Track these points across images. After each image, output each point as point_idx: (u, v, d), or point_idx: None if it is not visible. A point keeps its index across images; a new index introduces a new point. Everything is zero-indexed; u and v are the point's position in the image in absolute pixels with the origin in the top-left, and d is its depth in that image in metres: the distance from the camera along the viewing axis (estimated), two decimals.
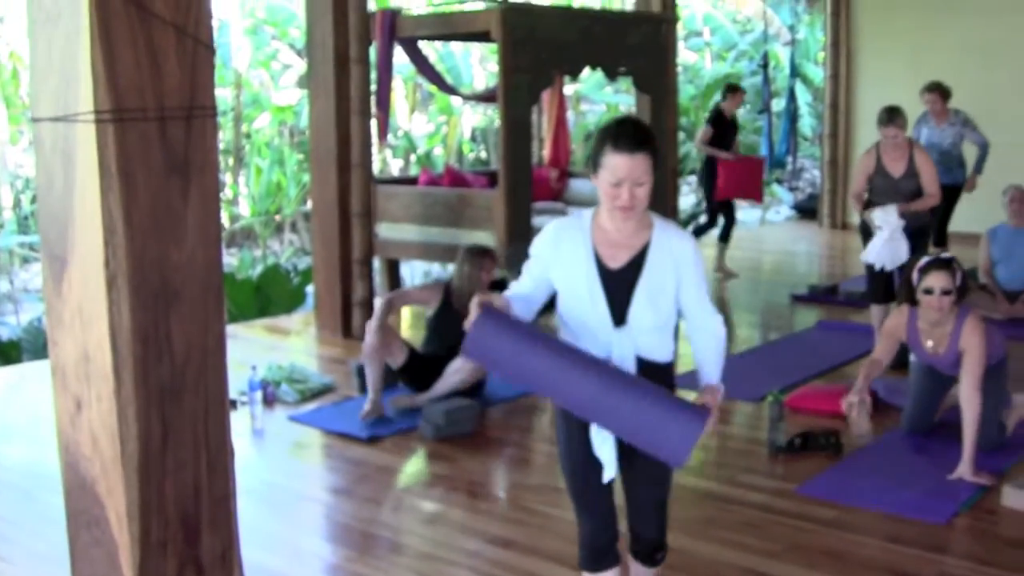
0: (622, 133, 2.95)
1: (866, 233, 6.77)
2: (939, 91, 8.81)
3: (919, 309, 5.04)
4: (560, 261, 3.07)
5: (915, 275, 5.02)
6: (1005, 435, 5.19)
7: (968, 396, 4.82)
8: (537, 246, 3.13)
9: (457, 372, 5.88)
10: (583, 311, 3.05)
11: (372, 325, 5.94)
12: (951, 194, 8.74)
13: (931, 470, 4.93)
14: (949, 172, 8.59)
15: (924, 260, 5.05)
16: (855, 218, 8.30)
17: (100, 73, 2.54)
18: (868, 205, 6.66)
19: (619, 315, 3.02)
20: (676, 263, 3.03)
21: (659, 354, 3.09)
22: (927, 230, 6.82)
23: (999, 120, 11.40)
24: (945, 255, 5.11)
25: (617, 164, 2.92)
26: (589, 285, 3.03)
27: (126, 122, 2.59)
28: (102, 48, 2.54)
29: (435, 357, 6.04)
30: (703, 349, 3.13)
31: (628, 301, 3.02)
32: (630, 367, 3.01)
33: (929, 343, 5.12)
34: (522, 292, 3.12)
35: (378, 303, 6.28)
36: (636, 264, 3.03)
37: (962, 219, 9.80)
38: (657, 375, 3.04)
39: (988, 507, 4.55)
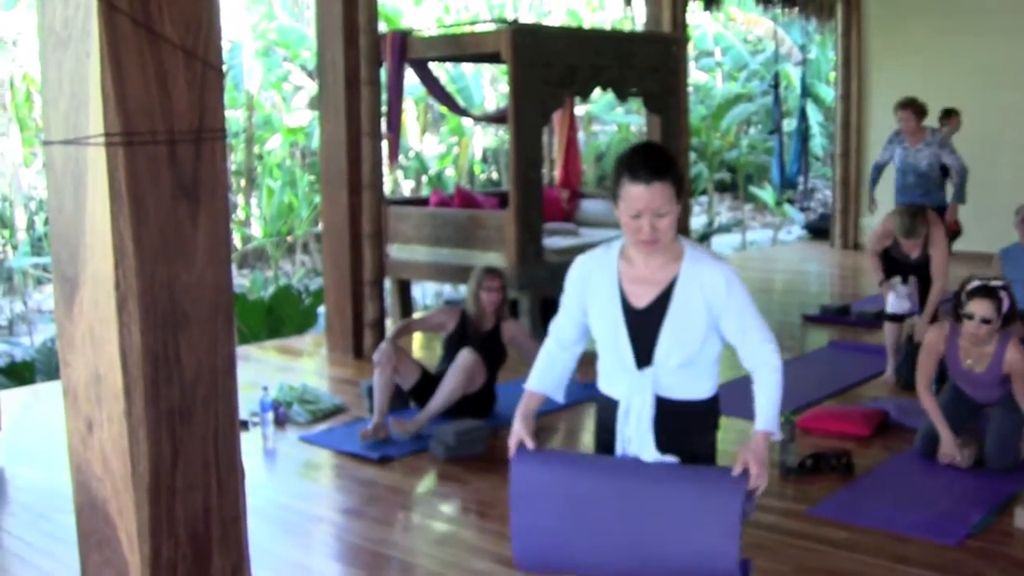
0: (638, 162, 2.80)
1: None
2: (913, 108, 8.15)
3: (962, 327, 5.09)
4: (590, 297, 3.00)
5: (963, 296, 5.07)
6: (1020, 459, 5.17)
7: None
8: (568, 281, 3.07)
9: (450, 379, 5.91)
10: (609, 349, 2.99)
11: (388, 336, 6.14)
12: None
13: (943, 491, 4.92)
14: (928, 195, 8.18)
15: (975, 283, 5.09)
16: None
17: (110, 96, 2.56)
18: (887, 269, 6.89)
19: (644, 356, 2.92)
20: (707, 297, 2.88)
21: (690, 391, 2.98)
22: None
23: (1010, 140, 11.42)
24: (996, 283, 5.12)
25: (634, 195, 2.78)
26: (615, 325, 2.94)
27: (135, 145, 2.61)
28: (111, 71, 2.56)
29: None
30: (756, 382, 2.99)
31: (654, 342, 2.91)
32: (649, 409, 2.93)
33: (968, 361, 5.19)
34: (561, 338, 3.09)
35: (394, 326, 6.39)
36: (662, 302, 2.90)
37: (974, 239, 9.78)
38: (688, 415, 2.98)
39: (1001, 529, 4.51)
